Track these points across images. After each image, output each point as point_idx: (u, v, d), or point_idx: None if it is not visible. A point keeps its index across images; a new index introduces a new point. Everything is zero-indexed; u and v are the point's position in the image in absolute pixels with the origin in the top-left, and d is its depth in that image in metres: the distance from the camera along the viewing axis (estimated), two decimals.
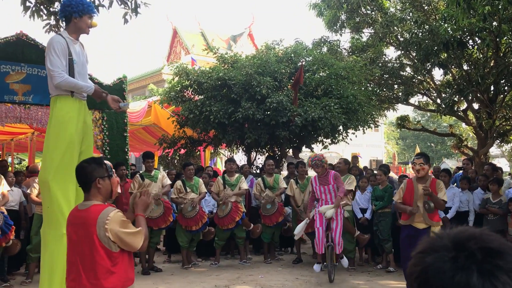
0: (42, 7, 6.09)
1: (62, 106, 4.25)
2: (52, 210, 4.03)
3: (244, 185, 8.03)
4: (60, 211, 3.97)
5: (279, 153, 11.00)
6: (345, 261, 6.82)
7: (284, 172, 11.09)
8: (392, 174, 14.21)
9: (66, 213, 3.57)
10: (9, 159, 19.20)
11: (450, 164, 31.10)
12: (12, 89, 7.50)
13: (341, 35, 14.37)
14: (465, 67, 12.73)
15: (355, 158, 10.30)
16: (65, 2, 4.21)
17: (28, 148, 13.87)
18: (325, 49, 13.85)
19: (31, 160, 13.89)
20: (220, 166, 19.33)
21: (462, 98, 13.29)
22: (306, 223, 6.96)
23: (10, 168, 18.18)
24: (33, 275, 6.61)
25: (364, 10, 13.70)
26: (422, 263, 0.94)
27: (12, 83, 7.49)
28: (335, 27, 14.05)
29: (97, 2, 6.07)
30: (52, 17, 6.20)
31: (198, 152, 13.61)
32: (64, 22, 4.33)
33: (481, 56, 12.48)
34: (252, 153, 11.45)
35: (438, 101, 14.53)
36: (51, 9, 6.17)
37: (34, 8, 6.02)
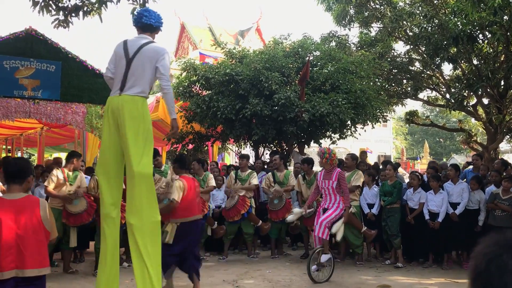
0: (50, 2, 6.10)
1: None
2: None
3: (254, 181, 8.05)
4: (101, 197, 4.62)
5: (286, 148, 10.98)
6: (324, 257, 6.54)
7: (291, 168, 11.06)
8: (400, 170, 14.16)
9: (104, 198, 4.52)
10: (19, 154, 19.39)
11: (459, 159, 30.91)
12: (22, 84, 7.55)
13: (349, 29, 14.31)
14: (475, 62, 12.61)
15: (363, 153, 10.25)
16: (159, 15, 4.65)
17: (37, 143, 13.97)
18: (333, 44, 13.78)
19: (40, 155, 14.01)
20: (228, 161, 19.37)
21: (471, 93, 13.19)
22: (300, 213, 6.97)
23: None
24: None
25: (373, 4, 13.62)
26: (485, 259, 1.05)
27: (21, 78, 7.54)
28: (343, 22, 13.98)
29: None
30: (61, 12, 6.21)
31: (206, 147, 13.63)
32: (141, 29, 4.64)
33: (491, 50, 12.35)
34: (260, 148, 11.45)
35: (447, 96, 14.43)
36: (59, 4, 6.18)
37: (43, 3, 6.03)
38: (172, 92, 4.67)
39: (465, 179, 8.23)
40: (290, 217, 7.09)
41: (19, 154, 19.43)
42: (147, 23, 4.58)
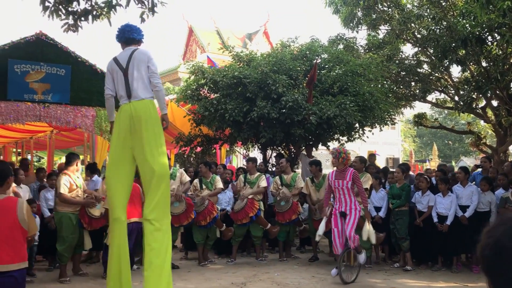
0: (60, 6, 6.15)
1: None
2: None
3: (263, 183, 8.07)
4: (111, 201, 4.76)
5: (294, 151, 10.98)
6: (362, 257, 6.70)
7: (299, 170, 11.06)
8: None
9: (115, 202, 4.67)
10: (29, 157, 19.54)
11: (468, 162, 30.73)
12: (32, 88, 7.62)
13: (357, 32, 14.28)
14: (483, 64, 12.54)
15: (372, 156, 10.23)
16: (140, 29, 5.01)
17: (47, 146, 14.07)
18: (341, 47, 13.77)
19: (50, 158, 14.11)
20: (236, 164, 19.39)
21: (480, 95, 13.12)
22: (325, 223, 6.87)
23: (29, 166, 18.48)
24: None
25: (380, 6, 13.59)
26: (495, 235, 1.14)
27: (31, 82, 7.61)
28: (351, 24, 13.96)
29: (114, 2, 6.11)
30: (70, 17, 6.26)
31: (214, 150, 13.66)
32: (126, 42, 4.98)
33: (500, 52, 12.27)
34: (268, 151, 11.46)
35: (456, 98, 14.35)
36: (69, 8, 6.23)
37: (53, 8, 6.08)
38: (164, 89, 5.03)
39: (473, 182, 8.18)
40: (318, 238, 7.10)
41: (29, 157, 19.60)
42: (130, 37, 4.94)
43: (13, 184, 6.36)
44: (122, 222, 4.71)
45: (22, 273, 3.55)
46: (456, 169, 10.05)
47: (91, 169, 8.33)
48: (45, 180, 8.05)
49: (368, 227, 6.60)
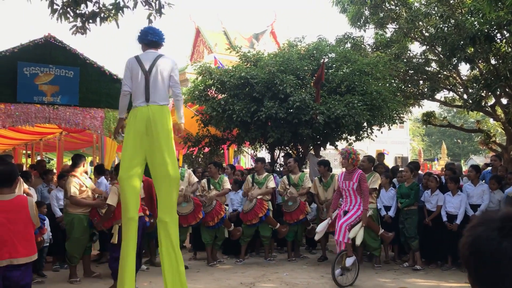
0: (69, 9, 6.19)
1: None
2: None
3: (271, 184, 8.05)
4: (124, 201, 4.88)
5: (302, 151, 10.97)
6: (348, 260, 6.45)
7: (307, 170, 11.04)
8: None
9: (131, 202, 4.80)
10: (38, 158, 19.68)
11: (478, 160, 30.50)
12: (41, 90, 7.69)
13: (364, 31, 14.21)
14: (492, 62, 12.44)
15: (381, 155, 10.18)
16: (162, 32, 5.10)
17: (56, 148, 14.17)
18: (348, 46, 13.72)
19: (59, 159, 14.21)
20: (244, 164, 19.41)
21: (489, 93, 13.01)
22: (328, 223, 6.88)
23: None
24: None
25: (388, 5, 13.53)
26: (473, 234, 1.16)
27: (41, 84, 7.68)
28: (358, 23, 13.90)
29: (122, 4, 6.15)
30: (79, 19, 6.30)
31: (222, 151, 13.68)
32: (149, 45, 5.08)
33: (509, 49, 12.17)
34: (276, 151, 11.46)
35: (465, 96, 14.25)
36: (77, 11, 6.27)
37: (61, 11, 6.12)
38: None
39: (483, 181, 8.12)
40: (317, 237, 7.09)
41: (38, 159, 19.74)
42: (152, 40, 5.02)
43: (25, 185, 6.42)
44: (136, 221, 4.86)
45: (30, 266, 3.82)
46: (464, 168, 9.97)
47: (98, 171, 8.37)
48: (55, 180, 8.10)
49: (358, 229, 6.51)
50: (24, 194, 6.08)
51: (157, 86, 4.83)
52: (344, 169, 6.85)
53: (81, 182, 6.71)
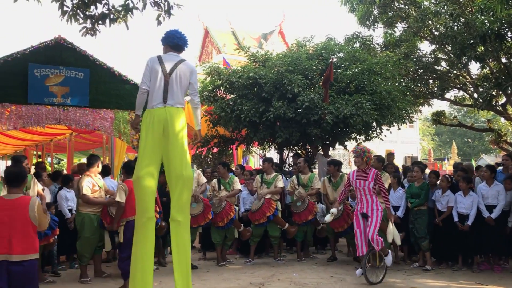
0: (78, 11, 6.24)
1: None
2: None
3: (280, 184, 8.04)
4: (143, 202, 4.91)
5: (311, 151, 10.95)
6: (388, 259, 6.59)
7: (316, 170, 11.02)
8: (427, 171, 13.85)
9: (149, 201, 4.85)
10: (49, 159, 19.84)
11: (489, 160, 30.20)
12: (52, 91, 7.75)
13: (373, 30, 14.16)
14: (503, 60, 12.33)
15: (390, 155, 10.11)
16: (187, 38, 5.22)
17: (67, 148, 14.27)
18: (357, 45, 13.67)
19: (69, 160, 14.31)
20: (253, 164, 19.41)
21: (500, 92, 12.91)
22: (337, 212, 6.85)
23: (49, 168, 18.78)
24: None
25: (397, 4, 13.48)
26: None
27: (51, 85, 7.74)
28: (367, 22, 13.85)
29: (131, 5, 6.18)
30: (88, 21, 6.34)
31: (231, 151, 13.70)
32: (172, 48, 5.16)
33: None
34: (284, 151, 11.44)
35: (475, 95, 14.15)
36: (87, 12, 6.31)
37: (71, 12, 6.17)
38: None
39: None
40: (327, 217, 6.88)
41: (49, 160, 19.90)
42: (178, 43, 5.12)
43: (39, 186, 6.48)
44: (154, 221, 4.97)
45: (31, 264, 4.01)
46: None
47: (103, 171, 8.44)
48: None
49: (391, 229, 6.52)
50: (34, 195, 6.17)
51: (176, 90, 4.92)
52: (356, 168, 6.80)
53: (94, 181, 6.77)
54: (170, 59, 5.02)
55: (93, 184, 6.72)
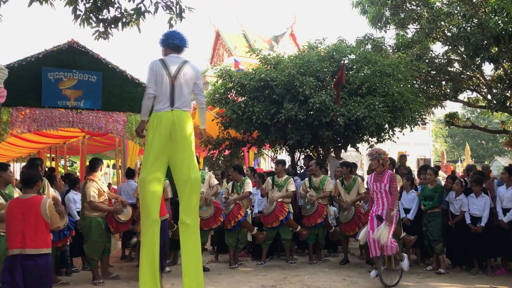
0: (91, 15, 6.30)
1: None
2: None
3: (291, 187, 8.00)
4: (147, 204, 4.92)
5: (322, 153, 10.91)
6: (405, 264, 6.52)
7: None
8: (440, 173, 13.75)
9: (154, 204, 4.86)
10: (62, 162, 20.04)
11: (503, 162, 29.86)
12: (65, 95, 7.83)
13: (385, 32, 14.10)
14: None
15: (403, 157, 10.04)
16: (186, 38, 5.15)
17: (80, 151, 14.40)
18: (369, 47, 13.61)
19: (82, 162, 14.43)
20: (264, 167, 19.41)
21: None
22: (367, 229, 6.69)
23: (62, 170, 18.95)
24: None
25: (409, 5, 13.40)
26: None
27: (64, 89, 7.83)
28: (379, 24, 13.79)
29: (143, 9, 6.22)
30: (101, 24, 6.40)
31: (242, 153, 13.70)
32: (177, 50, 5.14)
33: None
34: (296, 153, 11.42)
35: (489, 97, 14.00)
36: (100, 16, 6.37)
37: (84, 16, 6.23)
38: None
39: None
40: (361, 238, 6.80)
41: (62, 162, 20.10)
42: (177, 44, 5.09)
43: (52, 190, 6.53)
44: (159, 224, 4.94)
45: (44, 259, 4.31)
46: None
47: (128, 174, 8.56)
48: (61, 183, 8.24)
49: (382, 228, 6.40)
50: (49, 197, 6.22)
51: (182, 92, 4.91)
52: (368, 172, 6.78)
53: (99, 186, 6.77)
54: (174, 61, 4.99)
55: (99, 189, 6.71)
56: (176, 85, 4.89)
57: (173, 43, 5.05)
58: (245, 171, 9.74)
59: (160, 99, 4.91)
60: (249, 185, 8.06)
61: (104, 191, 6.83)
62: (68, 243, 6.90)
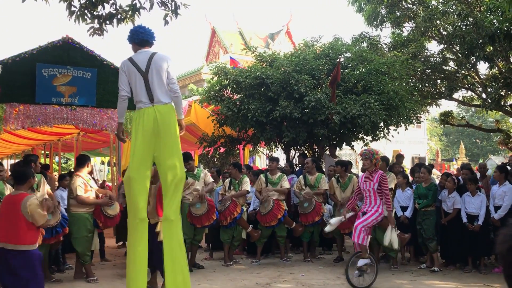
0: (86, 11, 6.26)
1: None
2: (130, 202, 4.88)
3: (286, 184, 8.00)
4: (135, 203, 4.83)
5: (318, 151, 10.93)
6: (360, 261, 6.35)
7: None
8: (434, 171, 13.78)
9: (141, 203, 4.76)
10: (56, 158, 19.96)
11: (497, 160, 29.99)
12: (59, 91, 7.76)
13: (381, 30, 14.13)
14: None
15: (400, 156, 10.02)
16: (152, 31, 5.04)
17: (74, 148, 14.35)
18: (364, 45, 13.62)
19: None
20: (259, 164, 19.40)
21: (509, 92, 12.82)
22: (340, 221, 6.76)
23: (57, 167, 18.87)
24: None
25: (405, 4, 13.43)
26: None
27: (59, 85, 7.76)
28: (375, 22, 13.81)
29: (138, 5, 6.19)
30: (96, 21, 6.37)
31: (237, 151, 13.70)
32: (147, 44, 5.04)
33: None
34: (291, 151, 11.42)
35: (484, 95, 14.06)
36: (94, 13, 6.34)
37: (78, 12, 6.19)
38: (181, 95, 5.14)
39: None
40: (328, 228, 6.89)
41: (56, 159, 20.02)
42: (144, 39, 4.97)
43: (48, 187, 6.50)
44: (146, 222, 4.84)
45: (26, 255, 4.40)
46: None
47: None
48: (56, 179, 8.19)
49: (390, 232, 6.44)
50: (43, 194, 6.20)
51: (158, 85, 4.81)
52: (362, 170, 6.79)
53: (86, 181, 6.72)
54: (142, 57, 4.88)
55: (85, 184, 6.67)
56: (150, 79, 4.79)
57: (139, 38, 4.95)
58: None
59: (139, 97, 4.84)
60: (247, 184, 8.02)
61: (91, 187, 6.77)
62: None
